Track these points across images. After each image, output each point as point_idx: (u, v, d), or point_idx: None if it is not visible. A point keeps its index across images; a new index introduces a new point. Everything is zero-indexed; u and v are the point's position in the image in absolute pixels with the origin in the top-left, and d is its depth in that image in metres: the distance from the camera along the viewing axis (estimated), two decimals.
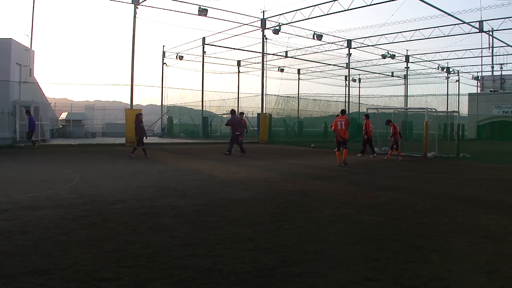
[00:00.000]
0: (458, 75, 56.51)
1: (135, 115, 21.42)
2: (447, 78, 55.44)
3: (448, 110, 41.20)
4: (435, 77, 55.43)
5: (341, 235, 7.00)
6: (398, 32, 37.34)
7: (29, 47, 32.44)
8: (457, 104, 52.17)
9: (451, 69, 54.32)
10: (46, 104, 35.39)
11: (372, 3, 27.91)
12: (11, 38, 29.75)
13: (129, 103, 31.28)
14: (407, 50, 46.46)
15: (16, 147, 24.95)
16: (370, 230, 7.31)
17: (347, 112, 21.30)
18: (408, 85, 53.90)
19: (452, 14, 30.80)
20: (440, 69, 52.29)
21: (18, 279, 4.82)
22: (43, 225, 7.27)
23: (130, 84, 30.59)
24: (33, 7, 31.46)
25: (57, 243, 6.26)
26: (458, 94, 55.97)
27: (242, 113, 27.08)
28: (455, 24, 33.61)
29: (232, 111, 24.99)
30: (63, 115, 42.16)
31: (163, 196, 10.39)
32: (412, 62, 49.85)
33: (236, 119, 23.99)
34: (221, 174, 14.96)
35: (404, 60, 48.74)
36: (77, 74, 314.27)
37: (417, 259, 5.78)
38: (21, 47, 31.16)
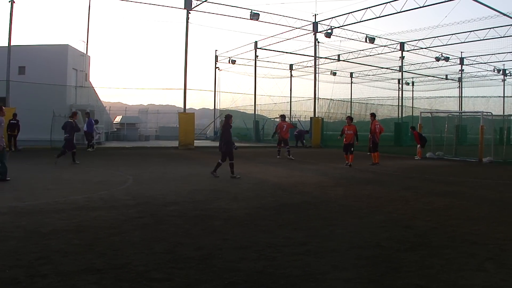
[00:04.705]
0: None
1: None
2: (504, 80, 53.62)
3: (505, 114, 39.94)
4: (490, 79, 53.79)
5: (393, 240, 6.89)
6: (452, 34, 36.40)
7: (85, 52, 33.50)
8: None
9: (507, 71, 52.59)
10: (101, 108, 36.35)
11: (425, 5, 27.31)
12: (67, 44, 30.80)
13: (182, 106, 31.75)
14: (461, 52, 45.22)
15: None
16: (423, 236, 7.18)
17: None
18: (463, 88, 52.51)
19: (507, 14, 29.78)
20: (496, 71, 50.77)
21: (72, 277, 4.98)
22: (98, 225, 7.48)
23: (183, 88, 31.06)
24: (89, 14, 32.66)
25: (111, 243, 6.43)
26: None
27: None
28: (511, 25, 32.52)
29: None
30: (118, 119, 43.17)
31: (216, 199, 10.50)
32: (466, 65, 48.51)
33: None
34: (273, 177, 15.00)
35: (458, 62, 47.54)
36: (131, 79, 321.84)
37: (471, 267, 5.63)
38: (77, 53, 32.19)
